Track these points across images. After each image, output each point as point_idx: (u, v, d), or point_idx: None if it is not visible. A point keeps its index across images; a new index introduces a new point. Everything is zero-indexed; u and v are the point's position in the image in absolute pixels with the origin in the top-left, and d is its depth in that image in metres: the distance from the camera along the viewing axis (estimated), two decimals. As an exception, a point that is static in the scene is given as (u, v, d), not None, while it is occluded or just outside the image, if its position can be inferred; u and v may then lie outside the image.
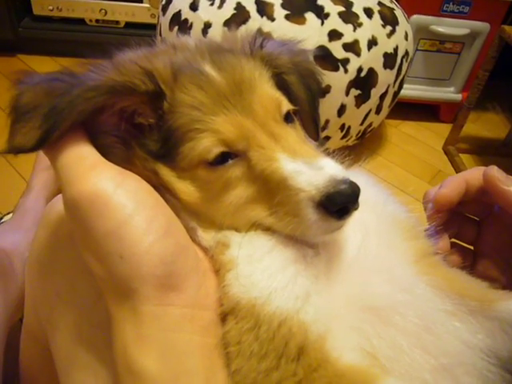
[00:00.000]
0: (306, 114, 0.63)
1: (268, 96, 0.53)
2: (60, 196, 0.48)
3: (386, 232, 0.58)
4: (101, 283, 0.46)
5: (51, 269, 0.57)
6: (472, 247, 0.68)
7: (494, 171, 0.59)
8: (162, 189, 0.50)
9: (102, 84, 0.46)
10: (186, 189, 0.51)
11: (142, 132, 0.51)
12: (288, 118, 0.55)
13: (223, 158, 0.50)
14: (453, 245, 0.66)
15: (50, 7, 2.53)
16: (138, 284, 0.43)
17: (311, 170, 0.48)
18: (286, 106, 0.55)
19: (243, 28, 0.66)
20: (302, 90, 0.62)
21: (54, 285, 0.57)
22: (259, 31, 0.63)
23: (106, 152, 0.48)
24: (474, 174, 0.62)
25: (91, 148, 0.47)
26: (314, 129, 0.65)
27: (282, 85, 0.59)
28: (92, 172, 0.44)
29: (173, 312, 0.44)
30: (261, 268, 0.48)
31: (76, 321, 0.53)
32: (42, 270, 0.59)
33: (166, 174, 0.51)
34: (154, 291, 0.43)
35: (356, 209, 0.48)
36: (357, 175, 0.61)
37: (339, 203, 0.47)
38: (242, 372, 0.45)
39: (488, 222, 0.67)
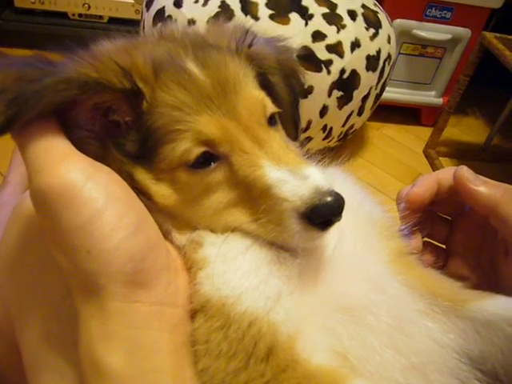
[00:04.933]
0: (286, 114, 0.62)
1: (253, 98, 0.52)
2: None
3: (362, 231, 0.58)
4: (68, 278, 0.45)
5: (20, 263, 0.56)
6: (444, 246, 0.69)
7: (464, 171, 0.60)
8: (137, 192, 0.48)
9: (75, 78, 0.44)
10: (163, 191, 0.50)
11: (119, 129, 0.50)
12: (271, 120, 0.54)
13: (205, 161, 0.49)
14: (427, 244, 0.67)
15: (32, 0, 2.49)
16: (106, 280, 0.42)
17: (296, 180, 0.47)
18: (271, 108, 0.54)
19: (230, 22, 0.64)
20: (285, 91, 0.61)
21: (23, 280, 0.55)
22: (247, 29, 0.61)
23: (79, 147, 0.46)
24: (446, 173, 0.63)
25: (63, 138, 0.45)
26: (294, 129, 0.65)
27: (264, 84, 0.58)
28: (62, 163, 0.43)
29: (140, 309, 0.43)
30: (234, 267, 0.48)
31: (44, 317, 0.52)
32: (11, 265, 0.57)
33: (143, 177, 0.49)
34: (122, 288, 0.42)
35: (339, 220, 0.48)
36: (335, 174, 0.61)
37: (324, 215, 0.46)
38: (210, 371, 0.44)
39: (459, 221, 0.68)
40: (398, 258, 0.58)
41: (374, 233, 0.58)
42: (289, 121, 0.63)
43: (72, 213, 0.42)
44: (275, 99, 0.58)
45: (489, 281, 0.63)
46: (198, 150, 0.48)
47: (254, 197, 0.49)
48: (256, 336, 0.44)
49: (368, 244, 0.57)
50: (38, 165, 0.43)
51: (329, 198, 0.46)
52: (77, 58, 0.47)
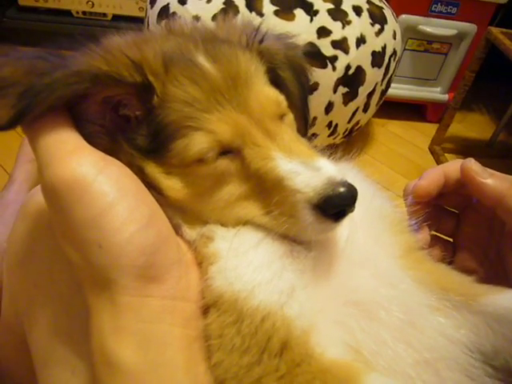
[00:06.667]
0: (296, 109, 0.62)
1: (264, 93, 0.52)
2: (39, 187, 0.47)
3: (373, 226, 0.58)
4: (79, 273, 0.45)
5: (29, 260, 0.56)
6: (451, 240, 0.69)
7: (472, 163, 0.60)
8: (148, 186, 0.48)
9: (86, 71, 0.44)
10: (174, 185, 0.49)
11: (129, 124, 0.49)
12: (283, 115, 0.54)
13: (217, 157, 0.49)
14: (436, 239, 0.67)
15: (36, -3, 2.50)
16: (117, 274, 0.42)
17: (308, 171, 0.47)
18: (284, 103, 0.54)
19: (239, 18, 0.64)
20: (295, 86, 0.61)
21: (32, 276, 0.55)
22: (258, 25, 0.61)
23: (89, 141, 0.46)
24: (453, 166, 0.63)
25: (74, 132, 0.45)
26: (304, 125, 0.65)
27: (274, 79, 0.57)
28: (72, 156, 0.43)
29: (152, 303, 0.43)
30: (246, 261, 0.48)
31: (54, 313, 0.52)
32: (20, 262, 0.57)
33: (153, 171, 0.49)
34: (134, 282, 0.42)
35: (352, 211, 0.48)
36: (346, 170, 0.61)
37: (337, 206, 0.46)
38: (223, 366, 0.44)
39: (466, 214, 0.67)
40: (409, 253, 0.58)
41: (384, 227, 0.58)
42: (298, 116, 0.63)
43: (83, 206, 0.42)
44: (285, 94, 0.57)
45: (496, 273, 0.63)
46: (213, 153, 0.48)
47: (266, 189, 0.49)
48: (270, 330, 0.44)
49: (379, 239, 0.57)
50: (48, 158, 0.43)
51: (342, 189, 0.46)
52: (87, 51, 0.47)
